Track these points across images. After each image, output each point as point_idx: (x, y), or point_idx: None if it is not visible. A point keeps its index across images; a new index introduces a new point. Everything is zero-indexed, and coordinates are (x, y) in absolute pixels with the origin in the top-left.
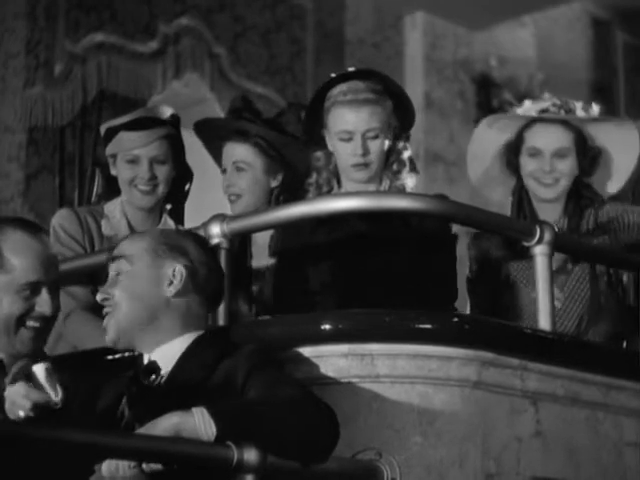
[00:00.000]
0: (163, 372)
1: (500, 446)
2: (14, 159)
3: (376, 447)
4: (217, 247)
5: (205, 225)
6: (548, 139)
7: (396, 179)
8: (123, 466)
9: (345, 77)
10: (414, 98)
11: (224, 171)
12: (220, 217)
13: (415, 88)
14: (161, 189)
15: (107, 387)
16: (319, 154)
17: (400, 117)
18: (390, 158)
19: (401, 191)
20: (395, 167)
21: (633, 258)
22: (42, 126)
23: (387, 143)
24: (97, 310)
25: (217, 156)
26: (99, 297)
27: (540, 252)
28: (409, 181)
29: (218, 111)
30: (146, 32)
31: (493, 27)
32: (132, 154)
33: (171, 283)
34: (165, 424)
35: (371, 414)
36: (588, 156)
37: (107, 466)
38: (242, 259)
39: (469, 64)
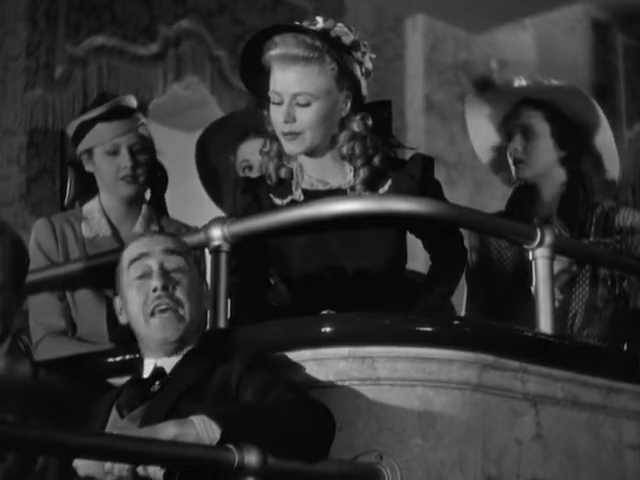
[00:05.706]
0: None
1: (500, 448)
2: (15, 162)
3: (376, 450)
4: (218, 250)
5: (206, 228)
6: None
7: (366, 168)
8: (120, 468)
9: (280, 29)
10: (415, 101)
11: (248, 168)
12: (221, 220)
13: (416, 91)
14: (142, 177)
15: (95, 406)
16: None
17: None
18: (340, 133)
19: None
20: (357, 151)
21: (635, 262)
22: (43, 129)
23: (328, 112)
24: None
25: (224, 156)
26: (158, 283)
27: (541, 255)
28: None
29: (219, 114)
30: (147, 35)
31: (494, 30)
32: (112, 144)
33: (207, 298)
34: (162, 437)
35: (371, 417)
36: (567, 135)
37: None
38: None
39: (470, 67)
